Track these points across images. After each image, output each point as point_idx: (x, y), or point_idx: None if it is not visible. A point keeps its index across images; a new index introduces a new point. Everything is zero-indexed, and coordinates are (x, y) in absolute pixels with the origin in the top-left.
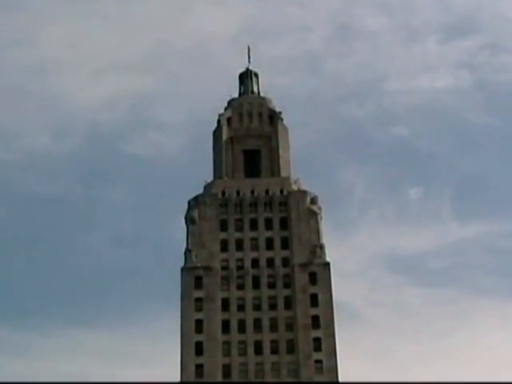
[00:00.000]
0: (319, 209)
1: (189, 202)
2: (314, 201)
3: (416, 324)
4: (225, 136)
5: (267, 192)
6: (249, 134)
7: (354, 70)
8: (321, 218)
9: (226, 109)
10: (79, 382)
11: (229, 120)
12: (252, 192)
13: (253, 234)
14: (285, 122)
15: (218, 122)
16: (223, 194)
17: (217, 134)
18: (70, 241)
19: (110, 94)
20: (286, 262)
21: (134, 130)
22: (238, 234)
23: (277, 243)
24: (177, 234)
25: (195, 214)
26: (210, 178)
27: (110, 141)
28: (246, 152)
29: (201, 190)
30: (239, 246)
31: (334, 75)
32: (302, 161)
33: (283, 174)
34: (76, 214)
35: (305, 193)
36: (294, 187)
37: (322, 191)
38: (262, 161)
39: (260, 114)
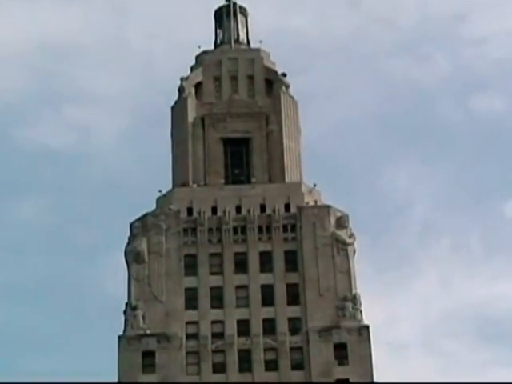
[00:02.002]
0: (351, 236)
1: (131, 226)
2: (342, 222)
3: None
4: (192, 115)
5: (263, 208)
6: (232, 111)
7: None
8: (353, 252)
9: (192, 69)
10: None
11: (198, 88)
12: (238, 209)
13: (240, 279)
14: (292, 90)
15: (180, 91)
16: (189, 211)
17: (178, 111)
18: None
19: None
20: (295, 325)
21: (42, 105)
22: (214, 280)
23: (280, 294)
24: (112, 280)
25: (142, 245)
26: (167, 185)
27: (2, 125)
28: (227, 142)
29: (152, 206)
30: (217, 299)
31: (380, 11)
32: (322, 156)
33: (289, 177)
34: None
35: (327, 209)
36: (309, 200)
37: (356, 207)
38: (255, 156)
39: (250, 78)
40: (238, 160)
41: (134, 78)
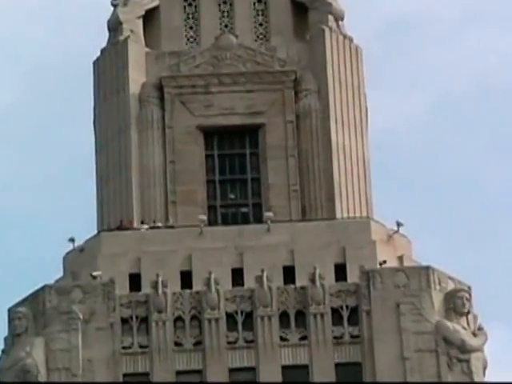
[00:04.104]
0: (477, 332)
1: (11, 315)
2: (457, 303)
3: None
4: (137, 78)
5: (290, 274)
6: (221, 70)
7: None
8: (483, 364)
9: None
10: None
11: (149, 21)
12: (236, 275)
13: None
14: (350, 26)
15: (113, 28)
16: (135, 282)
17: (108, 70)
18: None
19: None
20: None
21: None
22: None
23: None
24: None
25: (35, 354)
26: (87, 227)
27: None
28: (212, 135)
29: (57, 272)
30: None
31: None
32: (415, 164)
33: (344, 209)
34: None
35: (425, 274)
36: (387, 255)
37: (487, 270)
38: (271, 165)
39: (261, 0)
40: (235, 173)
41: (29, 8)
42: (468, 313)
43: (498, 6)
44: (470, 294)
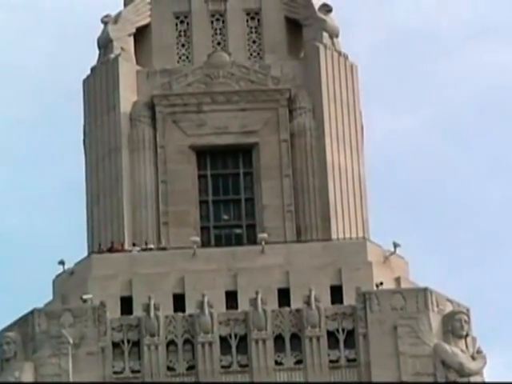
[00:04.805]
0: (476, 356)
1: (1, 339)
2: (455, 326)
3: None
4: (128, 97)
5: (284, 296)
6: (214, 89)
7: None
8: None
9: None
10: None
11: (141, 39)
12: (230, 298)
13: None
14: (346, 42)
15: (103, 45)
16: (126, 305)
17: (98, 89)
18: None
19: None
20: None
21: None
22: None
23: None
24: None
25: (24, 379)
26: (77, 249)
27: None
28: (205, 155)
29: (46, 296)
30: None
31: None
32: (412, 182)
33: (340, 230)
34: None
35: (422, 297)
36: (383, 277)
37: (487, 291)
38: (265, 185)
39: (253, 17)
40: (228, 193)
41: (18, 27)
42: (467, 335)
43: (499, 22)
44: (468, 317)
